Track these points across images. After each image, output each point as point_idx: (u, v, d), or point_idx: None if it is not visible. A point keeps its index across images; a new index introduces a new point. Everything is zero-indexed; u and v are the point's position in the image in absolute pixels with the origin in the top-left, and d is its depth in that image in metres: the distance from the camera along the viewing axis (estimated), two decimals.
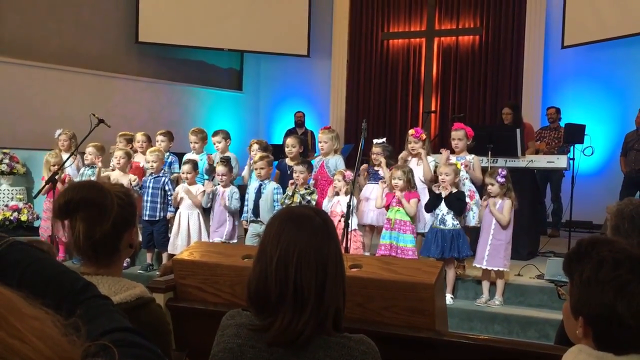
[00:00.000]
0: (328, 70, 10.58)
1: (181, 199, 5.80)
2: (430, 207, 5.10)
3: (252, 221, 5.62)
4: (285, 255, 1.46)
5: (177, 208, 5.90)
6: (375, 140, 5.68)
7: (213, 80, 10.74)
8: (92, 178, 5.85)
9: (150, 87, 9.68)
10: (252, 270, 1.53)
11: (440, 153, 5.66)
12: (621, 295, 1.28)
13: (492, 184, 4.90)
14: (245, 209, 5.73)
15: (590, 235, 1.50)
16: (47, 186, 5.63)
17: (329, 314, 1.47)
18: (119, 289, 1.58)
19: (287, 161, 5.95)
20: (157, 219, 5.93)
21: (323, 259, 1.48)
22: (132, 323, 1.11)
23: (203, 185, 5.92)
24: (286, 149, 5.99)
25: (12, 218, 6.75)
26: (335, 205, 5.25)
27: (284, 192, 5.57)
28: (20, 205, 6.90)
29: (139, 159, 6.51)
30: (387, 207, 5.16)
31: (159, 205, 5.92)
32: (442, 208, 5.01)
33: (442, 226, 5.00)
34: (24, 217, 6.82)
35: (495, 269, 4.92)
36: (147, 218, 5.91)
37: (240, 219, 5.79)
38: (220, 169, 5.75)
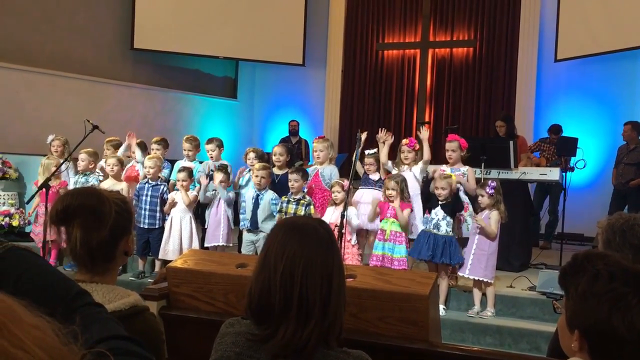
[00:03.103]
0: (323, 80, 10.61)
1: (175, 203, 5.78)
2: (427, 204, 5.13)
3: (248, 230, 5.63)
4: (291, 266, 1.45)
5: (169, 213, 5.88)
6: (367, 151, 5.70)
7: (208, 87, 10.75)
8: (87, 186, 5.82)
9: (144, 94, 9.67)
10: (255, 280, 1.51)
11: (433, 163, 5.70)
12: (616, 309, 1.29)
13: (482, 195, 4.95)
14: (241, 216, 5.72)
15: (586, 249, 1.52)
16: (40, 191, 5.58)
17: (333, 326, 1.46)
18: (113, 297, 1.57)
19: (275, 170, 5.94)
20: (156, 227, 5.88)
21: (328, 271, 1.47)
22: (125, 332, 1.11)
23: (196, 192, 5.91)
24: (274, 157, 5.98)
25: (3, 223, 6.69)
26: (332, 216, 5.25)
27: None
28: (12, 210, 6.84)
29: (135, 169, 6.41)
30: (381, 218, 5.19)
31: (157, 214, 5.88)
32: (438, 213, 5.03)
33: (435, 231, 5.02)
34: (15, 223, 6.76)
35: (477, 278, 4.94)
36: (146, 226, 5.86)
37: (239, 227, 5.80)
38: (219, 176, 5.74)
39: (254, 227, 5.56)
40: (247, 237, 5.68)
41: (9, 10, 8.04)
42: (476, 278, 4.94)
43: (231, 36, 10.08)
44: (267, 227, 5.52)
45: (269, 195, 5.58)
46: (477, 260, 4.92)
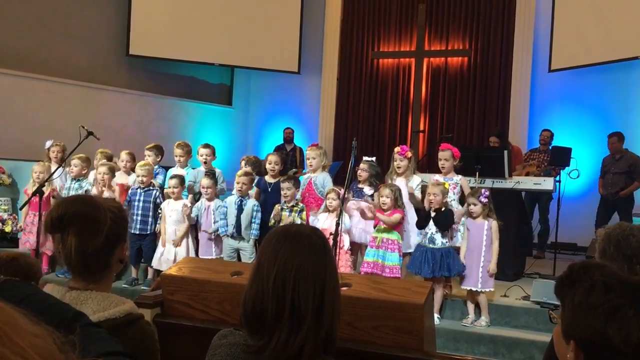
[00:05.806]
0: (318, 88, 10.63)
1: (167, 215, 5.75)
2: (421, 224, 5.12)
3: (231, 236, 5.60)
4: (282, 273, 1.45)
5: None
6: (365, 158, 5.70)
7: (203, 94, 10.74)
8: (80, 192, 5.81)
9: (139, 100, 9.66)
10: (248, 289, 1.50)
11: (428, 172, 5.70)
12: (612, 320, 1.29)
13: (475, 204, 4.95)
14: (222, 222, 5.66)
15: (582, 260, 1.52)
16: (32, 197, 5.56)
17: (330, 336, 1.45)
18: (107, 304, 1.56)
19: (267, 178, 5.92)
20: (147, 232, 5.85)
21: (321, 278, 1.47)
22: (120, 339, 1.12)
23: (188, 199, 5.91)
24: (268, 166, 5.94)
25: None
26: (324, 222, 5.24)
27: (262, 209, 5.57)
28: (5, 216, 6.81)
29: (122, 179, 6.31)
30: (375, 225, 5.18)
31: (150, 219, 5.85)
32: (431, 227, 5.03)
33: (431, 245, 5.01)
34: (7, 229, 6.72)
35: (487, 290, 4.96)
36: (137, 232, 5.82)
37: (220, 233, 5.72)
38: (205, 181, 5.72)
39: (238, 233, 5.55)
40: (229, 243, 5.63)
41: (3, 15, 8.03)
42: (487, 290, 4.96)
43: (227, 43, 10.09)
44: (248, 234, 5.52)
45: (252, 202, 5.58)
46: (486, 272, 4.94)
